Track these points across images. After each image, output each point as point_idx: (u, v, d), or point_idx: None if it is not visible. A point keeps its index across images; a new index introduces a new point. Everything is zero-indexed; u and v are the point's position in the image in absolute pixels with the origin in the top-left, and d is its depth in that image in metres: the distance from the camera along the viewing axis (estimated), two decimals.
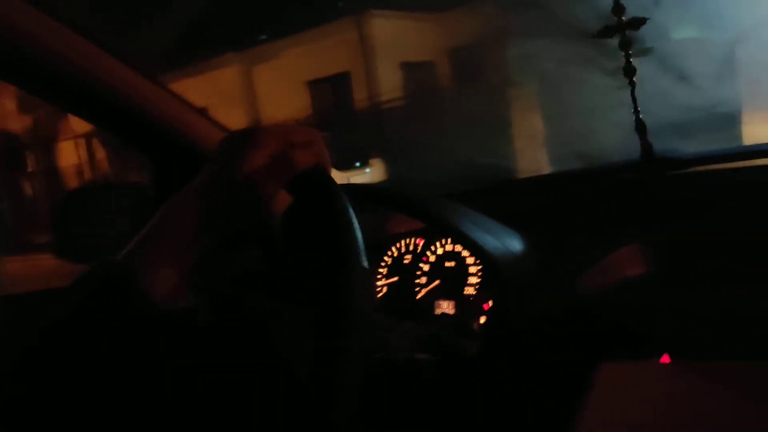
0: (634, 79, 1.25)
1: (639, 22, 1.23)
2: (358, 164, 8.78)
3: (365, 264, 0.68)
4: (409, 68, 10.58)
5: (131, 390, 0.61)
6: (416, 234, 1.27)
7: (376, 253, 1.30)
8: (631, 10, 1.24)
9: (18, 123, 13.06)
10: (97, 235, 1.14)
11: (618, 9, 1.22)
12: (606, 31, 1.24)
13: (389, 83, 10.44)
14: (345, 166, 8.19)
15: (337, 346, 0.63)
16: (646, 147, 1.22)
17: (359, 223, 0.71)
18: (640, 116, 1.24)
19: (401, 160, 8.33)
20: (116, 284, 0.64)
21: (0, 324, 1.08)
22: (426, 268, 1.24)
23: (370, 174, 8.71)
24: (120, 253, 0.69)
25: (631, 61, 1.24)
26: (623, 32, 1.23)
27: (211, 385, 0.66)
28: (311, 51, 10.97)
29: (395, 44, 10.37)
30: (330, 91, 11.45)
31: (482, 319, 1.10)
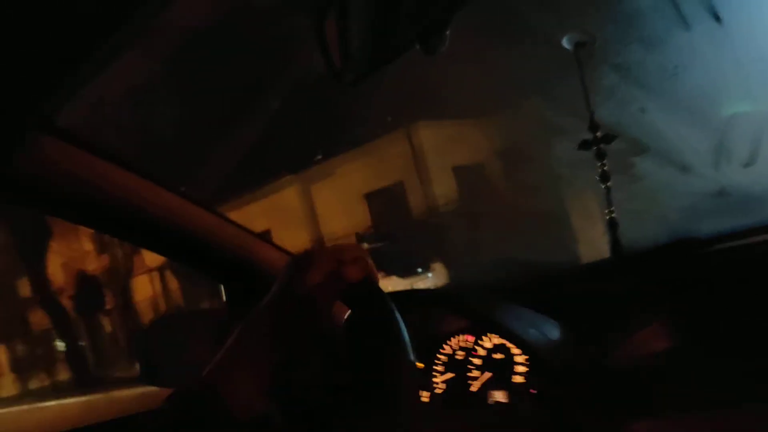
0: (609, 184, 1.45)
1: (610, 138, 1.44)
2: (419, 270, 8.83)
3: (412, 358, 0.77)
4: (460, 172, 10.82)
5: None
6: (466, 331, 1.35)
7: (432, 352, 1.39)
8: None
9: (96, 263, 13.76)
10: (179, 360, 1.24)
11: (593, 126, 1.42)
12: (584, 145, 1.45)
13: (443, 188, 10.68)
14: (407, 273, 8.26)
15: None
16: (615, 241, 1.40)
17: (413, 323, 0.81)
18: (613, 215, 1.43)
19: (460, 262, 8.38)
20: (202, 399, 0.74)
21: None
22: (477, 362, 1.32)
23: (432, 279, 8.74)
24: (203, 372, 0.78)
25: (605, 169, 1.44)
26: (599, 145, 1.43)
27: None
28: (365, 165, 11.41)
29: (445, 151, 10.67)
30: (387, 202, 11.75)
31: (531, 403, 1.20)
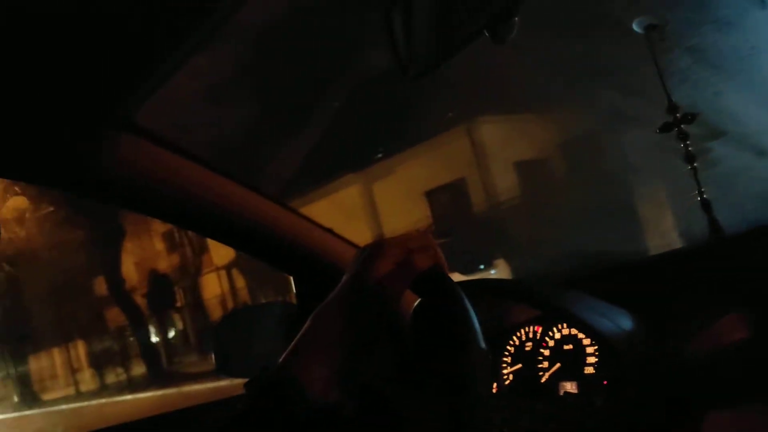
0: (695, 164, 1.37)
1: (691, 117, 1.37)
2: (482, 267, 8.76)
3: (483, 346, 0.77)
4: (522, 167, 10.66)
5: None
6: (534, 322, 1.34)
7: (500, 343, 1.38)
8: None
9: (167, 262, 14.24)
10: (252, 352, 1.28)
11: (672, 108, 1.37)
12: (665, 127, 1.40)
13: (505, 183, 10.55)
14: (470, 269, 8.21)
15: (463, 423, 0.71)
16: (713, 222, 1.33)
17: (481, 314, 0.80)
18: (704, 196, 1.35)
19: (524, 257, 8.26)
20: (279, 384, 0.76)
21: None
22: (546, 353, 1.31)
23: (495, 275, 8.66)
24: (280, 360, 0.81)
25: (690, 150, 1.37)
26: (679, 126, 1.37)
27: None
28: (426, 162, 11.38)
29: (506, 146, 10.54)
30: (448, 198, 11.69)
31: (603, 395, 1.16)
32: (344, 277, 0.86)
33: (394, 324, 0.90)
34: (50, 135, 0.97)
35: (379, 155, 12.16)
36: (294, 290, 1.27)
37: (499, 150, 10.66)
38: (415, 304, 0.90)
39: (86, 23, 0.77)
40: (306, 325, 0.83)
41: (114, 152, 1.02)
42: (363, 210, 12.52)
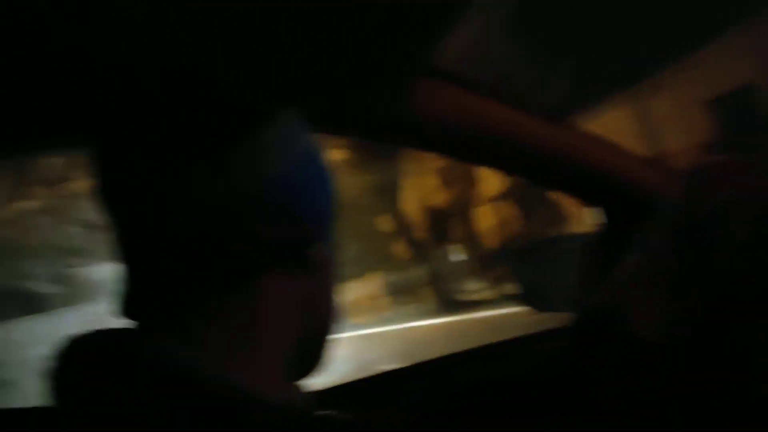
0: None
1: None
2: None
3: None
4: None
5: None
6: None
7: None
8: None
9: (442, 197, 14.93)
10: (557, 284, 1.27)
11: None
12: None
13: None
14: None
15: None
16: None
17: None
18: None
19: None
20: (608, 321, 0.74)
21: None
22: None
23: None
24: (602, 295, 0.78)
25: None
26: None
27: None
28: (704, 71, 10.13)
29: None
30: (733, 107, 10.28)
31: None
32: (668, 207, 0.80)
33: (728, 253, 0.82)
34: (357, 85, 1.03)
35: (651, 70, 11.12)
36: (591, 220, 1.21)
37: None
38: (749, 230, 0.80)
39: None
40: (629, 260, 0.78)
41: (414, 97, 1.06)
42: (637, 129, 11.67)
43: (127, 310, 0.56)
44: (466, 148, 1.10)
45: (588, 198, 1.19)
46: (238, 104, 0.56)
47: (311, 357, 0.64)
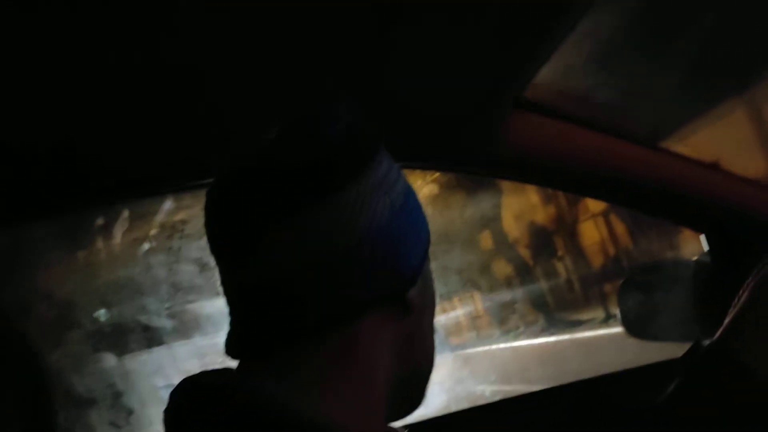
0: None
1: None
2: None
3: None
4: None
5: None
6: None
7: None
8: None
9: (544, 214, 14.56)
10: (661, 311, 1.23)
11: None
12: None
13: None
14: None
15: None
16: None
17: None
18: None
19: None
20: (719, 358, 0.72)
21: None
22: None
23: None
24: (717, 332, 0.76)
25: None
26: None
27: None
28: None
29: None
30: None
31: None
32: None
33: None
34: (448, 120, 1.05)
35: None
36: (705, 247, 1.17)
37: None
38: None
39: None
40: (745, 297, 0.75)
41: (507, 129, 1.07)
42: (754, 135, 10.94)
43: (232, 350, 0.59)
44: (560, 178, 1.10)
45: (691, 224, 1.15)
46: (338, 157, 0.57)
47: (410, 396, 0.65)
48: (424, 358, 0.65)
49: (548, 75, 1.08)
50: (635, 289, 1.31)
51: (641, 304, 1.30)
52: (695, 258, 1.21)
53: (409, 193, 0.62)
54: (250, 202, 0.56)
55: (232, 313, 0.60)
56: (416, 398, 0.66)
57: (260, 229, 0.55)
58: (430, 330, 0.66)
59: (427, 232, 0.64)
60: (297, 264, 0.54)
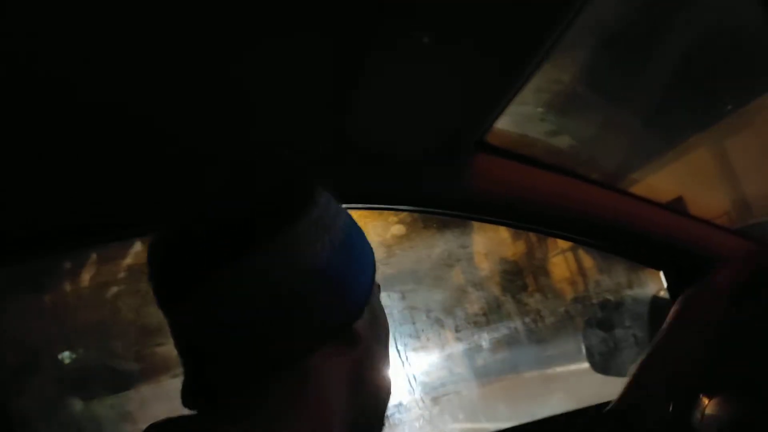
0: None
1: None
2: None
3: None
4: None
5: None
6: None
7: None
8: None
9: (513, 249, 14.70)
10: (621, 346, 1.26)
11: None
12: None
13: None
14: None
15: None
16: None
17: None
18: None
19: None
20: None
21: None
22: None
23: None
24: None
25: None
26: None
27: None
28: None
29: None
30: None
31: None
32: (726, 274, 0.82)
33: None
34: (412, 162, 1.08)
35: (728, 108, 10.76)
36: (664, 284, 1.20)
37: None
38: None
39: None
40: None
41: (469, 171, 1.10)
42: (716, 172, 11.25)
43: (188, 401, 0.59)
44: (522, 218, 1.13)
45: (648, 262, 1.19)
46: (280, 196, 0.57)
47: (370, 427, 0.66)
48: (380, 388, 0.66)
49: (508, 120, 1.12)
50: (598, 327, 1.35)
51: (603, 341, 1.33)
52: (654, 295, 1.25)
53: (351, 229, 0.63)
54: (185, 253, 0.56)
55: (184, 364, 0.60)
56: (376, 429, 0.66)
57: (197, 279, 0.55)
58: (383, 359, 0.66)
59: (373, 265, 0.65)
60: (237, 311, 0.54)
